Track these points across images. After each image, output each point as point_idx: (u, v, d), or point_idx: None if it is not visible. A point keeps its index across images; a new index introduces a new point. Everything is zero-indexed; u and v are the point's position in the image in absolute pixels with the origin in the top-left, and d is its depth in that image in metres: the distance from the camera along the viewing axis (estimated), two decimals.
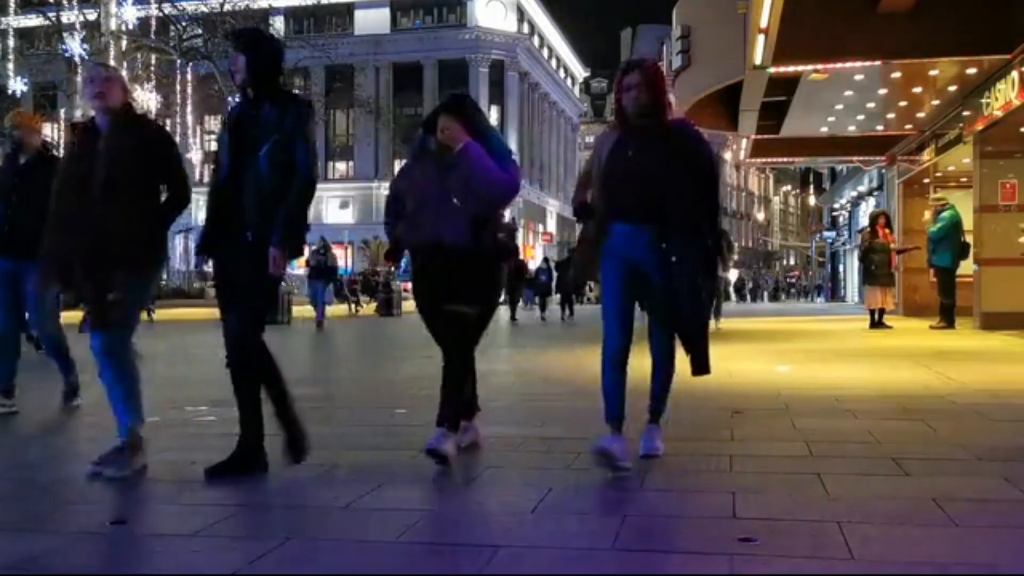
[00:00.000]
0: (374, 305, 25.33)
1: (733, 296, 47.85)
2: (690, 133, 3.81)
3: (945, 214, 13.34)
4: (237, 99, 3.87)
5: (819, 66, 12.33)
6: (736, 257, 17.92)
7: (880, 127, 17.06)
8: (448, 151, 3.91)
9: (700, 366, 3.62)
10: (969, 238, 13.36)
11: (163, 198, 3.84)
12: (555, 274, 23.90)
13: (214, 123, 38.23)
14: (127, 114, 3.81)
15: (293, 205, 3.55)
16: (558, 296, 24.40)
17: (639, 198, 3.59)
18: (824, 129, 17.12)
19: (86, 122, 3.89)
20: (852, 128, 17.04)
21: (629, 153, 3.64)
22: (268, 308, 3.67)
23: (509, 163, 3.97)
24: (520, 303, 23.01)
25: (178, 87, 31.33)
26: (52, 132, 40.41)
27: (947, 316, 13.11)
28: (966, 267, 13.32)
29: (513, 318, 21.51)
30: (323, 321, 17.02)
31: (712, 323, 12.86)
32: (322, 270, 17.52)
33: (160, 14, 30.49)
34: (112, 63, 28.43)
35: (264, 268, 3.52)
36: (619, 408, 3.63)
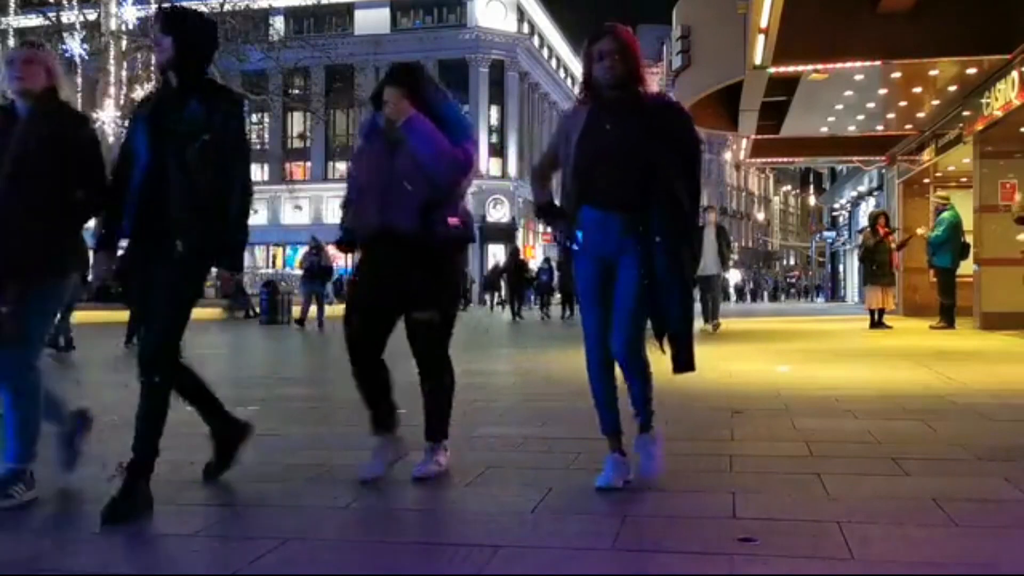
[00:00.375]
0: None
1: (732, 296, 47.85)
2: (672, 107, 3.41)
3: (945, 214, 13.34)
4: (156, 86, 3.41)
5: (819, 66, 12.34)
6: (736, 257, 17.91)
7: (880, 127, 17.06)
8: (395, 127, 3.49)
9: (685, 362, 3.28)
10: (969, 238, 13.37)
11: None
12: (556, 273, 23.92)
13: None
14: (48, 101, 3.29)
15: (239, 223, 3.21)
16: (559, 296, 24.44)
17: (616, 178, 3.21)
18: (824, 129, 17.12)
19: (4, 106, 3.37)
20: (852, 128, 17.04)
21: (606, 127, 3.24)
22: (185, 322, 3.19)
23: (462, 137, 3.52)
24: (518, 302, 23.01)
25: None
26: None
27: (947, 316, 13.11)
28: (966, 267, 13.33)
29: (519, 316, 21.55)
30: (323, 320, 16.99)
31: (709, 325, 12.91)
32: (316, 271, 17.37)
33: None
34: (112, 63, 28.49)
35: (194, 282, 3.21)
36: (615, 418, 3.39)
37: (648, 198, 3.17)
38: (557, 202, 3.45)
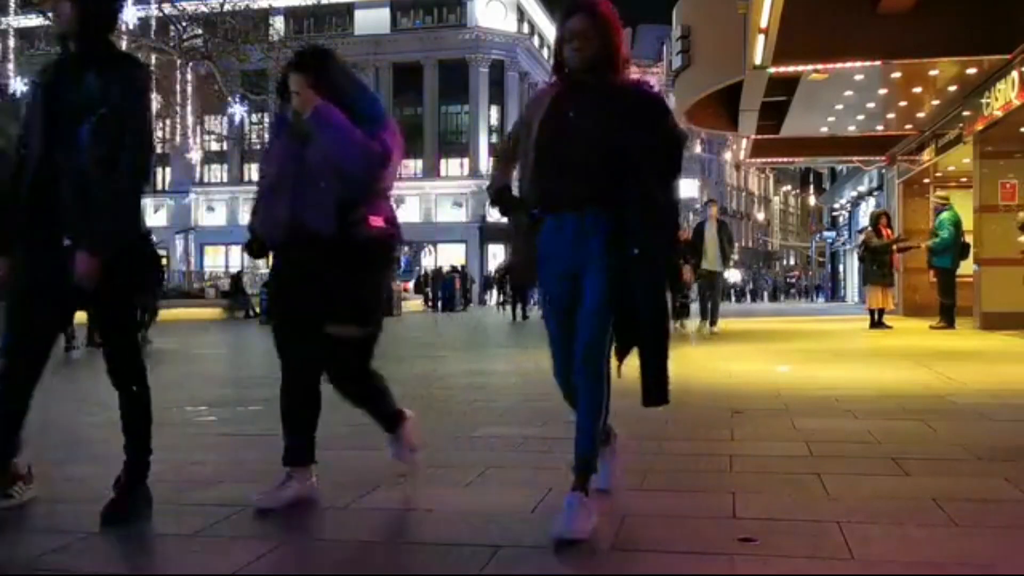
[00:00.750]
0: None
1: (732, 296, 47.86)
2: (649, 97, 2.92)
3: (944, 215, 13.35)
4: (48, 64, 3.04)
5: (819, 66, 12.34)
6: (736, 257, 17.92)
7: (880, 127, 17.06)
8: (302, 119, 3.15)
9: (657, 393, 2.84)
10: (969, 238, 13.38)
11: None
12: None
13: (214, 123, 38.23)
14: None
15: (107, 206, 2.81)
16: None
17: (581, 174, 2.80)
18: (824, 129, 17.13)
19: None
20: (852, 128, 17.05)
21: (570, 115, 2.83)
22: (131, 321, 2.96)
23: (377, 128, 3.14)
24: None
25: (178, 87, 31.32)
26: None
27: (947, 316, 13.11)
28: (966, 267, 13.33)
29: (525, 315, 21.57)
30: None
31: (707, 327, 12.70)
32: None
33: (160, 14, 30.50)
34: None
35: (117, 277, 2.88)
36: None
37: (616, 200, 2.77)
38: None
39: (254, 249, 3.36)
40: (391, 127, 3.21)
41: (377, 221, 3.14)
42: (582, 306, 2.83)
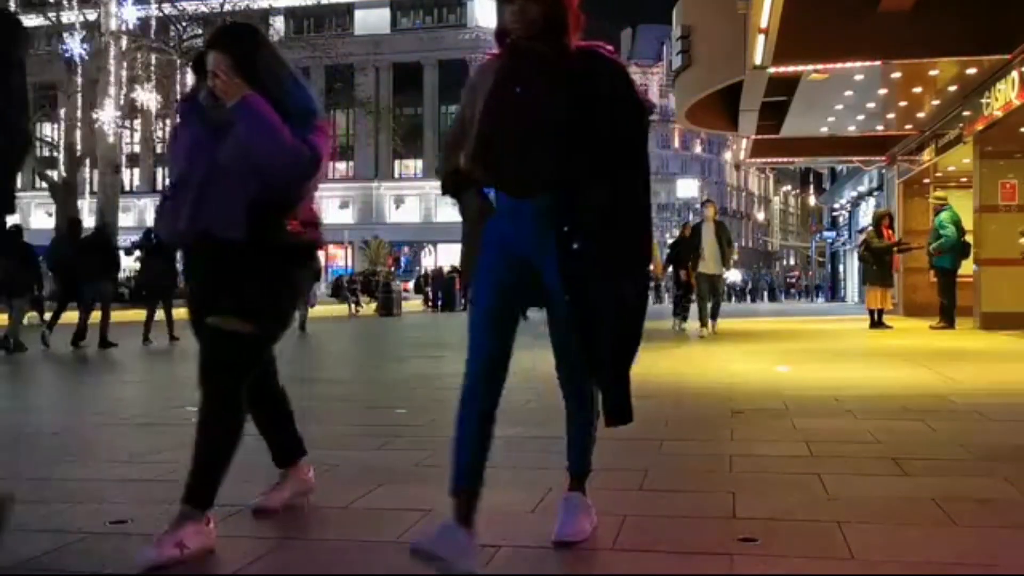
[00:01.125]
0: (374, 305, 25.33)
1: (732, 297, 47.84)
2: (608, 64, 2.48)
3: (944, 215, 13.35)
4: None
5: (819, 66, 12.33)
6: (736, 257, 17.90)
7: (880, 127, 17.06)
8: (220, 106, 2.72)
9: (618, 411, 2.46)
10: (969, 238, 13.38)
11: None
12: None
13: None
14: None
15: None
16: None
17: (529, 156, 2.42)
18: (824, 129, 17.12)
19: None
20: (852, 128, 17.05)
21: (516, 89, 2.45)
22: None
23: (308, 127, 2.73)
24: None
25: (178, 87, 31.32)
26: (52, 133, 40.50)
27: (947, 316, 13.12)
28: (966, 267, 13.33)
29: (524, 315, 21.55)
30: (305, 323, 15.59)
31: (706, 328, 12.39)
32: None
33: (160, 14, 30.50)
34: (112, 63, 28.50)
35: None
36: (472, 474, 2.44)
37: (573, 184, 2.39)
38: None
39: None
40: (322, 128, 2.82)
41: (294, 226, 2.76)
42: (553, 317, 2.57)
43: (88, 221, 29.22)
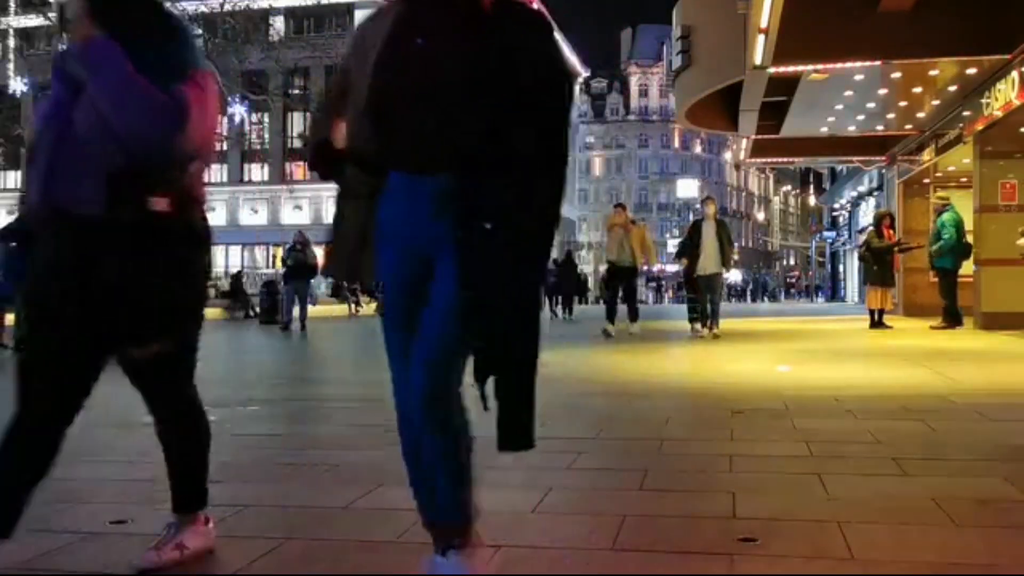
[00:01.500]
0: (374, 305, 25.36)
1: (731, 296, 47.91)
2: (527, 14, 2.09)
3: (946, 216, 13.36)
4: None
5: (819, 66, 12.34)
6: (736, 257, 17.79)
7: (880, 127, 17.07)
8: (71, 58, 2.32)
9: (516, 433, 2.15)
10: (970, 238, 13.38)
11: None
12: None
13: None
14: None
15: None
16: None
17: (432, 122, 2.03)
18: (824, 129, 17.13)
19: None
20: (852, 128, 17.06)
21: (416, 42, 2.06)
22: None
23: (175, 77, 2.28)
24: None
25: None
26: None
27: (948, 316, 13.12)
28: (967, 267, 13.34)
29: None
30: (305, 322, 16.00)
31: (704, 330, 12.18)
32: (300, 268, 15.98)
33: None
34: None
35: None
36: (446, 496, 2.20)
37: (481, 158, 2.00)
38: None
39: (13, 234, 2.54)
40: (198, 79, 2.36)
41: (160, 203, 2.28)
42: (423, 320, 2.07)
43: None
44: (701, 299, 12.41)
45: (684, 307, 14.26)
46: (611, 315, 12.94)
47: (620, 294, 13.52)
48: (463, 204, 1.99)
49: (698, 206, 13.69)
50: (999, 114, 12.04)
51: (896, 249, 14.16)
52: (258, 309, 21.04)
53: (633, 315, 13.44)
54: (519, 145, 2.00)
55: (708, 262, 12.11)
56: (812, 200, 64.79)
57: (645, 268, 18.01)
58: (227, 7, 29.94)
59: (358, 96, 2.10)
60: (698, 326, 12.43)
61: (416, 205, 2.07)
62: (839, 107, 15.05)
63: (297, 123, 51.21)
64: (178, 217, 2.33)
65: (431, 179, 2.04)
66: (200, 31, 30.12)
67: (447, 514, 2.20)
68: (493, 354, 2.04)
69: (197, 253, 2.46)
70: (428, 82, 2.04)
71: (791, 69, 12.42)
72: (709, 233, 12.13)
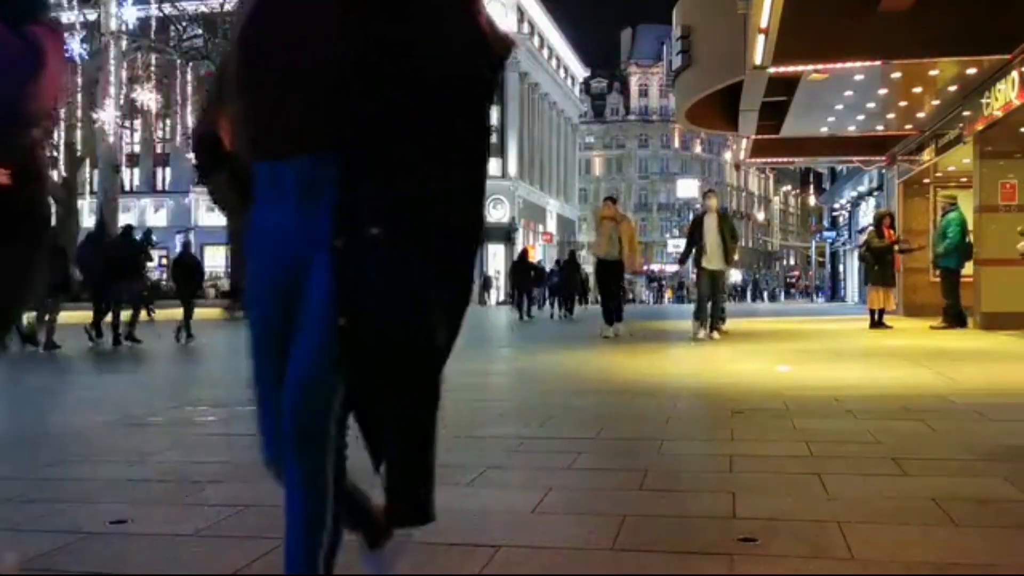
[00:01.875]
0: None
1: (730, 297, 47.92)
2: None
3: (952, 215, 13.38)
4: None
5: (819, 66, 12.34)
6: (737, 257, 17.73)
7: (880, 127, 17.08)
8: None
9: (412, 506, 1.79)
10: (971, 238, 13.39)
11: None
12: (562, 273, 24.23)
13: None
14: None
15: None
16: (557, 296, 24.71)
17: (292, 99, 1.63)
18: (824, 129, 17.14)
19: None
20: (852, 128, 17.06)
21: (287, 6, 1.67)
22: None
23: (27, 22, 1.90)
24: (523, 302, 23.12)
25: (178, 87, 31.33)
26: (52, 133, 40.48)
27: (949, 316, 13.12)
28: (969, 267, 13.36)
29: (528, 315, 21.66)
30: None
31: (703, 332, 11.72)
32: None
33: (160, 14, 30.50)
34: (112, 63, 28.51)
35: None
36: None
37: (367, 142, 1.59)
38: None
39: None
40: (52, 24, 2.06)
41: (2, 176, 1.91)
42: (296, 323, 1.66)
43: (87, 221, 29.25)
44: (699, 298, 11.83)
45: (683, 307, 14.14)
46: (608, 317, 12.59)
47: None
48: (342, 201, 1.57)
49: (698, 206, 13.27)
50: (999, 114, 12.04)
51: (896, 249, 14.16)
52: None
53: (617, 314, 12.54)
54: (420, 127, 1.59)
55: (711, 258, 11.51)
56: (812, 200, 64.85)
57: (642, 268, 17.91)
58: (227, 7, 29.92)
59: (230, 78, 1.74)
60: (702, 333, 11.62)
61: (281, 200, 1.66)
62: (839, 107, 15.05)
63: None
64: (19, 192, 1.95)
65: (296, 163, 1.63)
66: (200, 31, 30.15)
67: (295, 565, 1.78)
68: (377, 408, 1.65)
69: (37, 239, 2.06)
70: (292, 59, 1.64)
71: (791, 69, 12.42)
72: (711, 228, 11.56)
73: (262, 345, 1.74)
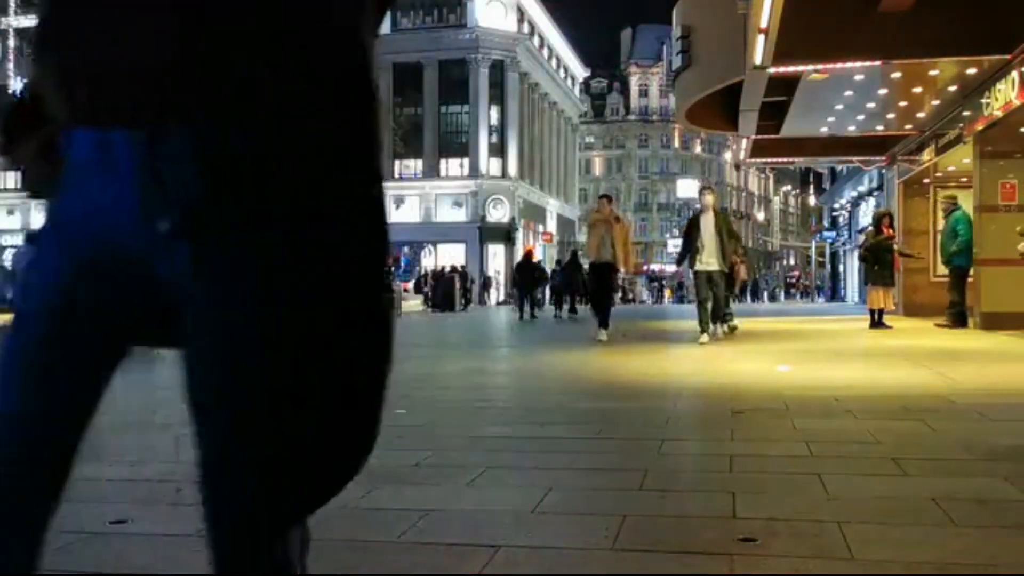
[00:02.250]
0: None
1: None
2: None
3: (959, 214, 13.41)
4: None
5: (819, 66, 12.35)
6: (737, 258, 17.49)
7: (880, 127, 17.08)
8: None
9: None
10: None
11: None
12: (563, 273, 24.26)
13: None
14: None
15: None
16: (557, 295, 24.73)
17: (129, 40, 1.04)
18: (824, 129, 17.14)
19: None
20: (852, 128, 17.06)
21: None
22: None
23: None
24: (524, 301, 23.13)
25: None
26: None
27: (953, 315, 13.13)
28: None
29: (532, 316, 21.68)
30: None
31: (705, 335, 11.19)
32: None
33: None
34: None
35: None
36: None
37: (231, 104, 1.05)
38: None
39: None
40: None
41: None
42: (192, 374, 1.26)
43: None
44: (698, 301, 11.33)
45: (683, 307, 14.12)
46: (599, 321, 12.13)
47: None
48: (202, 187, 1.06)
49: (698, 206, 12.76)
50: (999, 114, 12.04)
51: (896, 249, 14.17)
52: None
53: (602, 321, 11.90)
54: (297, 84, 1.09)
55: (709, 258, 11.05)
56: (812, 200, 64.81)
57: (640, 269, 17.79)
58: None
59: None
60: (705, 337, 11.00)
61: (108, 179, 1.10)
62: (839, 107, 15.06)
63: None
64: None
65: (129, 134, 1.07)
66: None
67: None
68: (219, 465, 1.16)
69: None
70: None
71: (791, 69, 12.42)
72: (708, 226, 11.07)
73: (14, 363, 1.20)
